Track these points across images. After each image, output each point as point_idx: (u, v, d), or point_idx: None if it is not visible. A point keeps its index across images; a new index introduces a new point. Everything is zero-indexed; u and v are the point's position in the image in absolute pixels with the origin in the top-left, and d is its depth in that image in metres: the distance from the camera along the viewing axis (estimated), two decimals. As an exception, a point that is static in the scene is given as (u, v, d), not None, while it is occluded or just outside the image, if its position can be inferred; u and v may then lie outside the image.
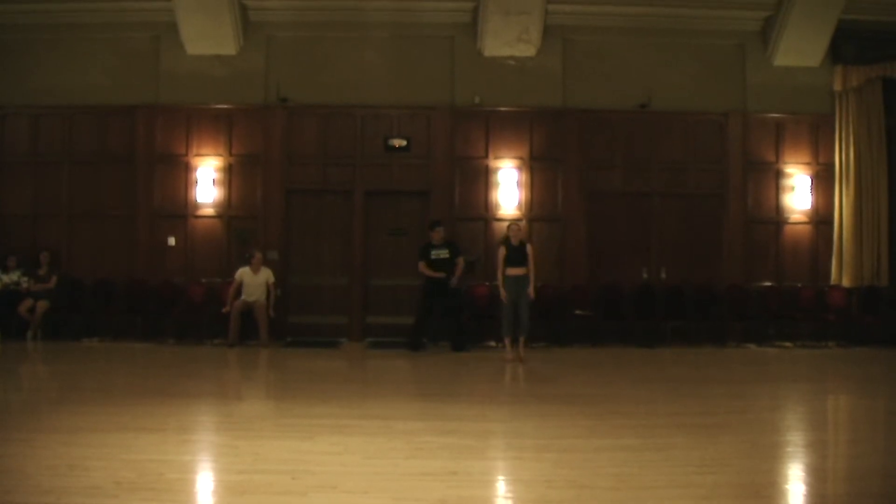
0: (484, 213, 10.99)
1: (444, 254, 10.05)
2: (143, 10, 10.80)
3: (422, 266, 10.04)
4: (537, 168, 11.04)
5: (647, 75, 11.07)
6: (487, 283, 10.55)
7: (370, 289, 10.95)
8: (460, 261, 10.09)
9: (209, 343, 10.38)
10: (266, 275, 10.29)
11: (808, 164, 11.23)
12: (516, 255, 8.99)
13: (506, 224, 9.91)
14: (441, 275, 9.95)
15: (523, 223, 10.18)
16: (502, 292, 8.96)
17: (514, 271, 8.96)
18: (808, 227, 11.22)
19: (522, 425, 5.89)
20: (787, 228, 11.21)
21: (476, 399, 7.14)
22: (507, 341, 9.17)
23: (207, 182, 10.84)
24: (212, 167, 10.90)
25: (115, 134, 10.97)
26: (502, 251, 9.09)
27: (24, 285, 10.47)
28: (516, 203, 10.95)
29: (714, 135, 11.16)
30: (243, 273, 10.24)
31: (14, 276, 10.51)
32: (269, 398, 7.52)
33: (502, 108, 11.02)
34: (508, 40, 10.78)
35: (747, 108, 11.14)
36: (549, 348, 10.39)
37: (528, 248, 9.10)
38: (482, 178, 11.01)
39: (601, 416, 5.99)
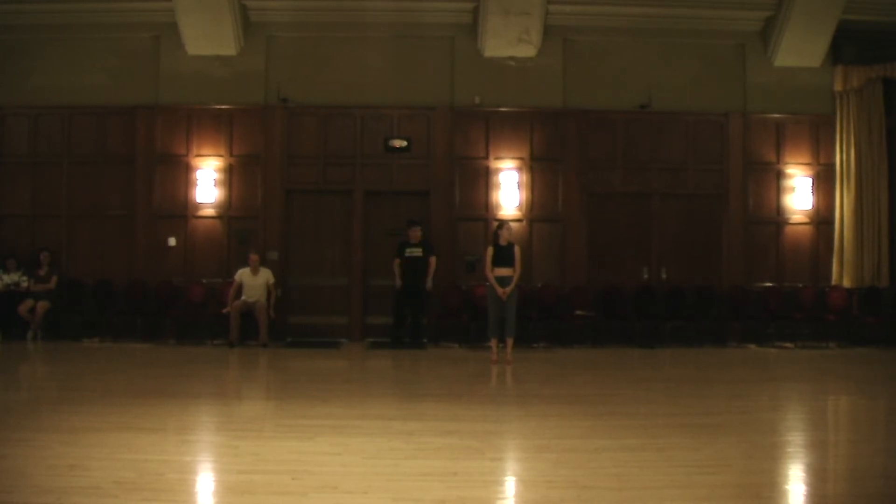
0: (484, 213, 10.99)
1: (417, 252, 10.32)
2: (143, 10, 10.80)
3: (396, 263, 10.37)
4: (537, 168, 11.04)
5: (647, 75, 11.07)
6: (487, 284, 10.51)
7: (370, 289, 10.95)
8: (433, 260, 10.34)
9: (209, 343, 10.38)
10: (266, 275, 10.29)
11: (808, 164, 11.23)
12: (504, 255, 8.93)
13: (495, 224, 9.78)
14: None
15: (513, 224, 10.01)
16: (498, 290, 8.89)
17: (501, 271, 8.89)
18: (808, 228, 11.21)
19: (523, 425, 5.90)
20: (788, 229, 11.20)
21: (476, 399, 7.13)
22: (492, 343, 9.08)
23: (208, 182, 10.84)
24: (212, 167, 10.90)
25: (115, 134, 10.97)
26: (490, 251, 9.04)
27: (25, 285, 10.48)
28: (516, 203, 10.94)
29: (714, 135, 11.16)
30: (243, 274, 10.24)
31: (14, 277, 10.51)
32: (270, 398, 7.51)
33: (502, 109, 11.02)
34: (509, 41, 10.78)
35: (747, 109, 11.14)
36: (549, 348, 10.40)
37: (516, 249, 9.03)
38: (482, 179, 11.01)
39: (602, 417, 5.99)
